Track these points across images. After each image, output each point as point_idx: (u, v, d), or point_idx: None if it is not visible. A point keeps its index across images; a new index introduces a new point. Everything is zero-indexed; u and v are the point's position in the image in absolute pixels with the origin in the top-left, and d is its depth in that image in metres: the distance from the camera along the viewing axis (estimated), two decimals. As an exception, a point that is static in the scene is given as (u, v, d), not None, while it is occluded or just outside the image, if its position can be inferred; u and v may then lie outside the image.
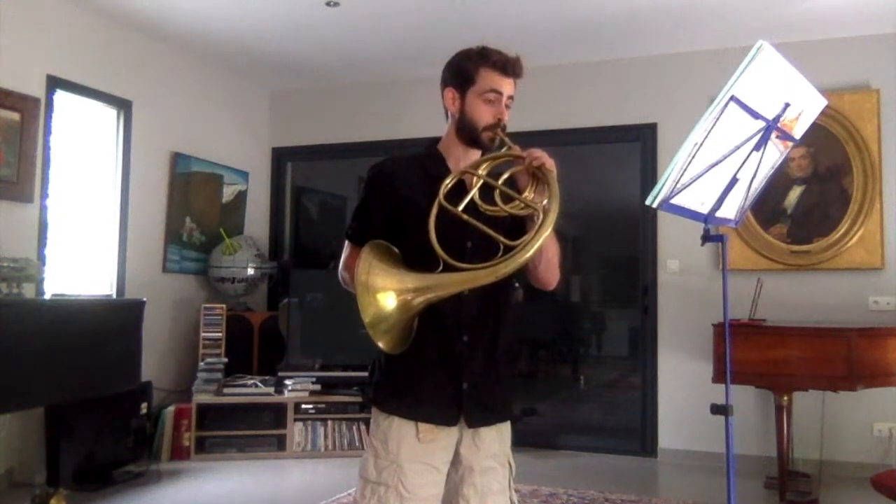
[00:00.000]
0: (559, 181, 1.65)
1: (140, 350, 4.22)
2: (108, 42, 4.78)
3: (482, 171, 1.71)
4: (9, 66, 4.07)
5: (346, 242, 1.86)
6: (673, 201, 1.97)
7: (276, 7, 4.56)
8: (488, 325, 1.80)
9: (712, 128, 1.87)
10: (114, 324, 4.11)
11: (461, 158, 1.82)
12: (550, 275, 1.85)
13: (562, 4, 4.45)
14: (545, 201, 1.63)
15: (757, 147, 2.02)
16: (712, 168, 1.97)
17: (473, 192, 1.69)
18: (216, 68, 5.73)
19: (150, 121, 5.09)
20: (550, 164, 1.68)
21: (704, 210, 2.12)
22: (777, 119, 1.99)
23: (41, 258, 4.21)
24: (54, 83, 4.37)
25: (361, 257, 1.59)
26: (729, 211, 2.22)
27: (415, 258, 1.64)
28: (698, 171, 1.94)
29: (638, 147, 5.35)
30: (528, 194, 1.68)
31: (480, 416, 1.79)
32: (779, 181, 4.70)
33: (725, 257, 2.22)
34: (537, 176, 1.68)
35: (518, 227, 1.69)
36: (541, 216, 1.60)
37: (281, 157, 6.37)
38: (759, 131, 1.99)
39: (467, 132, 1.81)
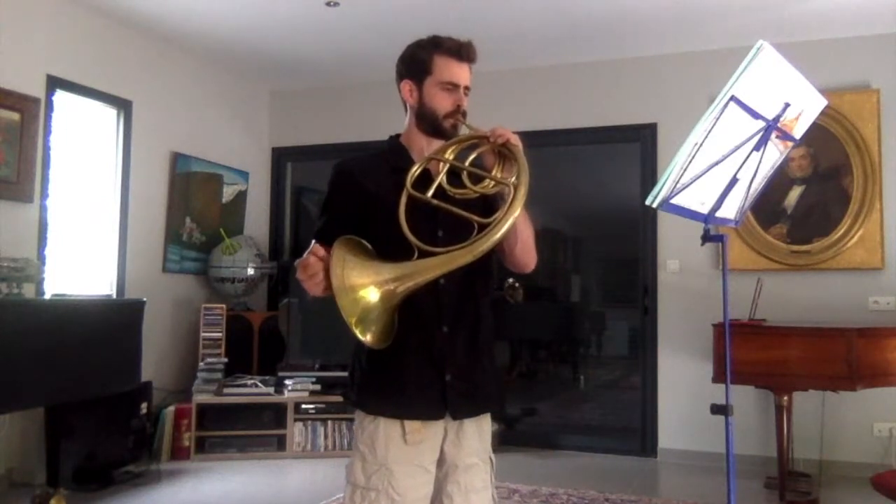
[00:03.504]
0: (527, 157, 1.64)
1: (140, 350, 4.22)
2: (108, 42, 4.78)
3: (448, 155, 1.70)
4: (9, 66, 4.08)
5: (313, 242, 1.81)
6: (673, 201, 1.96)
7: (276, 7, 4.56)
8: (467, 315, 1.78)
9: (712, 128, 1.87)
10: (114, 324, 4.11)
11: (424, 149, 1.80)
12: (527, 256, 1.81)
13: (562, 4, 4.45)
14: (514, 177, 1.61)
15: (757, 147, 2.02)
16: (712, 168, 1.97)
17: (441, 177, 1.67)
18: (216, 68, 5.73)
19: (150, 121, 5.09)
20: (515, 139, 1.66)
21: (704, 210, 2.12)
22: (777, 119, 1.99)
23: (41, 258, 4.21)
24: (54, 83, 4.37)
25: (334, 254, 1.55)
26: (729, 211, 2.22)
27: (386, 253, 1.62)
28: (698, 171, 1.94)
29: (638, 147, 5.35)
30: (496, 172, 1.67)
31: (465, 408, 1.76)
32: (779, 181, 4.70)
33: (725, 257, 2.22)
34: (503, 153, 1.67)
35: (489, 211, 1.66)
36: (511, 192, 1.59)
37: (281, 157, 6.37)
38: (759, 131, 1.99)
39: (428, 122, 1.79)
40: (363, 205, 1.76)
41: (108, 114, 4.87)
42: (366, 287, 1.55)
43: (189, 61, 5.47)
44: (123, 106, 4.91)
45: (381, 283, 1.56)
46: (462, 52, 1.78)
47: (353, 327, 1.52)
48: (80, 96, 4.60)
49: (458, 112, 1.77)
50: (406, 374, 1.73)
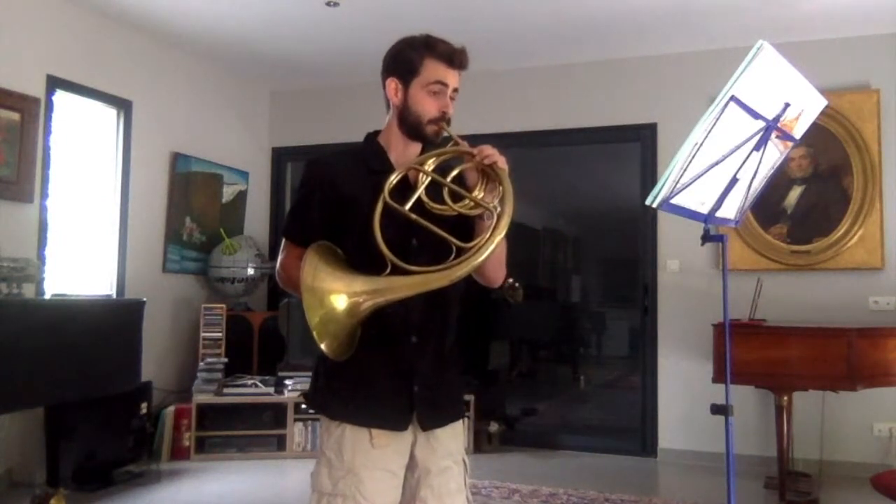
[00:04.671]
0: (512, 179, 1.59)
1: (140, 350, 4.22)
2: (108, 42, 4.78)
3: (429, 166, 1.64)
4: (9, 66, 4.08)
5: (283, 241, 1.79)
6: (673, 201, 1.97)
7: (276, 7, 4.56)
8: (435, 325, 1.74)
9: (712, 128, 1.87)
10: (114, 324, 4.10)
11: (403, 152, 1.75)
12: (497, 272, 1.78)
13: (562, 4, 4.45)
14: (496, 202, 1.57)
15: (757, 147, 2.02)
16: (712, 168, 1.97)
17: (420, 191, 1.62)
18: (216, 68, 5.73)
19: (150, 121, 5.09)
20: (502, 161, 1.61)
21: (704, 210, 2.12)
22: (777, 119, 1.99)
23: (41, 258, 4.20)
24: (54, 83, 4.36)
25: (306, 260, 1.51)
26: (729, 211, 2.22)
27: (357, 256, 1.59)
28: (698, 171, 1.94)
29: (638, 147, 5.35)
30: (478, 193, 1.61)
31: (433, 418, 1.72)
32: (779, 181, 4.70)
33: (725, 257, 2.22)
34: (487, 174, 1.62)
35: (462, 224, 1.63)
36: (494, 217, 1.55)
37: (281, 157, 6.38)
38: (759, 131, 1.99)
39: (410, 125, 1.74)
40: (337, 206, 1.71)
41: (108, 114, 4.87)
42: (335, 293, 1.52)
43: (189, 61, 5.47)
44: (123, 106, 4.91)
45: (350, 295, 1.53)
46: (455, 58, 1.72)
47: (314, 329, 1.49)
48: (80, 96, 4.60)
49: (442, 118, 1.72)
50: (373, 384, 1.69)
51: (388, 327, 1.66)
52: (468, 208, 1.61)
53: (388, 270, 1.55)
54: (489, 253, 1.52)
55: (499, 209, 1.56)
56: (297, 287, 1.58)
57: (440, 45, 1.73)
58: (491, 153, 1.61)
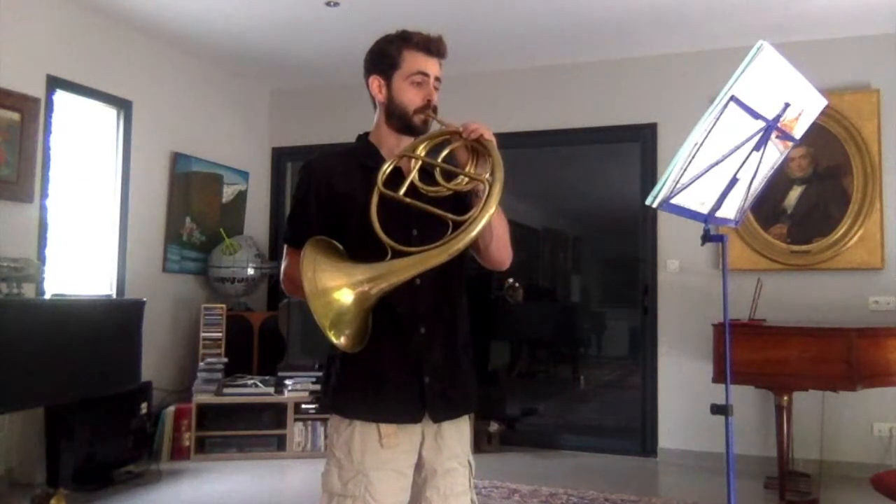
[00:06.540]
0: (500, 152, 1.60)
1: (140, 350, 4.23)
2: (108, 42, 4.78)
3: (420, 152, 1.66)
4: (9, 66, 4.08)
5: (286, 248, 1.78)
6: (673, 201, 1.96)
7: (276, 7, 4.56)
8: (444, 316, 1.75)
9: (712, 128, 1.87)
10: (114, 324, 4.11)
11: (394, 147, 1.76)
12: (502, 253, 1.78)
13: (562, 4, 4.45)
14: (488, 174, 1.58)
15: (757, 147, 2.02)
16: (712, 168, 1.97)
17: (413, 175, 1.63)
18: (216, 68, 5.73)
19: (150, 121, 5.09)
20: (489, 134, 1.62)
21: (704, 210, 2.12)
22: (777, 119, 1.99)
23: (41, 258, 4.20)
24: (54, 83, 4.36)
25: (305, 256, 1.50)
26: (729, 211, 2.22)
27: (358, 252, 1.59)
28: (698, 171, 1.94)
29: (638, 147, 5.35)
30: (470, 169, 1.63)
31: (444, 410, 1.73)
32: (779, 181, 4.70)
33: (725, 257, 2.22)
34: (476, 149, 1.63)
35: (461, 207, 1.63)
36: (486, 188, 1.56)
37: (281, 157, 6.38)
38: (759, 131, 1.99)
39: (398, 118, 1.75)
40: (335, 206, 1.72)
41: (108, 114, 4.87)
42: (339, 289, 1.51)
43: (189, 61, 5.47)
44: (123, 106, 4.91)
45: (354, 285, 1.52)
46: (431, 46, 1.75)
47: (327, 331, 1.48)
48: (80, 96, 4.59)
49: (428, 107, 1.73)
50: (384, 377, 1.69)
51: (396, 319, 1.68)
52: (462, 185, 1.63)
53: (388, 257, 1.55)
54: (484, 223, 1.53)
55: (491, 180, 1.57)
56: (302, 289, 1.59)
57: (416, 36, 1.76)
58: (476, 127, 1.63)
